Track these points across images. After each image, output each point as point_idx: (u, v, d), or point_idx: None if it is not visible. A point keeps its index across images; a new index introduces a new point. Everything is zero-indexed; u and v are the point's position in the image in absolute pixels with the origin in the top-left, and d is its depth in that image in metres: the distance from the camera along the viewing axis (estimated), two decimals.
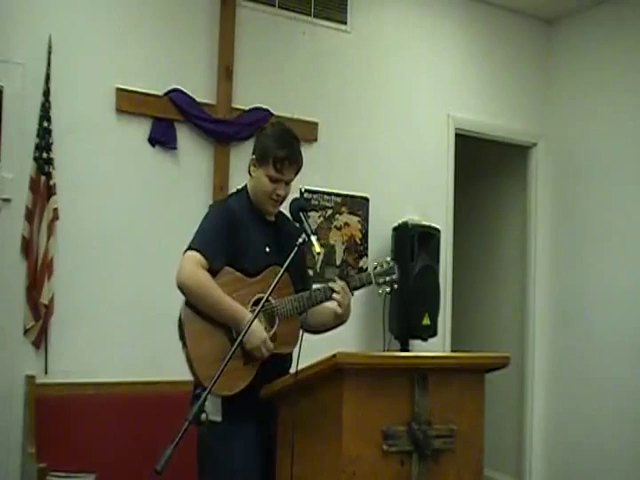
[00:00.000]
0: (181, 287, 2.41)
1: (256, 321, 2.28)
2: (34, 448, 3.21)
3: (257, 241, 2.52)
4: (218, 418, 2.36)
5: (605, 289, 4.82)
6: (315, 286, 2.58)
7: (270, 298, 2.37)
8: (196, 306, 2.41)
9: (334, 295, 2.48)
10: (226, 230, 2.45)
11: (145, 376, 3.66)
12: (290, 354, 2.50)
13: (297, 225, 2.54)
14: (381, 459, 2.16)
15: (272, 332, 2.42)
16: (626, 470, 4.52)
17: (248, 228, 2.51)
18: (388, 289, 2.62)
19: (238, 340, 2.15)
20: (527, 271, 5.35)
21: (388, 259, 2.65)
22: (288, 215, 2.54)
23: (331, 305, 2.53)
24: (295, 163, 2.53)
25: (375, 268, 2.61)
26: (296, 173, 2.57)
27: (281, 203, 2.58)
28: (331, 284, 2.50)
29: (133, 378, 3.63)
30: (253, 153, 2.59)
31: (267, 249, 2.52)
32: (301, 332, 2.47)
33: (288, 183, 2.55)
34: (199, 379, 2.32)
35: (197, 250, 2.40)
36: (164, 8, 3.93)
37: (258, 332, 2.33)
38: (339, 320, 2.58)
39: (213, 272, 2.40)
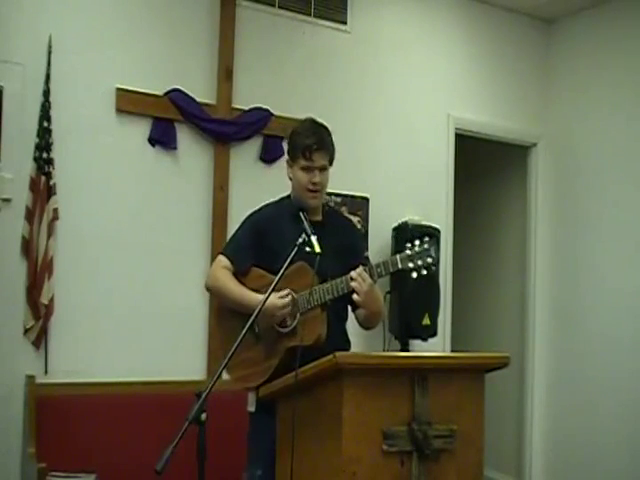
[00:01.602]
0: (206, 287, 2.72)
1: (264, 296, 2.34)
2: (34, 448, 3.21)
3: (294, 242, 2.47)
4: (252, 408, 2.58)
5: (605, 289, 4.82)
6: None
7: (292, 292, 2.49)
8: (219, 302, 2.70)
9: (351, 283, 2.40)
10: (253, 235, 2.63)
11: (145, 376, 3.66)
12: (323, 347, 2.42)
13: (348, 221, 2.81)
14: (381, 459, 2.16)
15: (293, 326, 2.48)
16: (626, 470, 4.52)
17: (283, 230, 2.55)
18: (425, 272, 2.39)
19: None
20: (527, 271, 5.36)
21: (427, 239, 2.41)
22: (345, 214, 2.59)
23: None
24: (324, 148, 2.57)
25: (403, 251, 2.41)
26: (330, 160, 2.61)
27: (321, 194, 2.62)
28: (352, 273, 2.42)
29: (133, 378, 3.63)
30: (288, 154, 2.67)
31: (307, 249, 2.44)
32: (296, 324, 2.49)
33: (322, 170, 2.58)
34: (227, 372, 2.48)
35: (223, 254, 2.67)
36: (164, 8, 3.93)
37: (269, 303, 2.37)
38: (369, 309, 2.54)
39: (240, 272, 2.62)
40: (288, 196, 2.72)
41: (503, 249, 5.76)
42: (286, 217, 2.61)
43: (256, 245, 2.61)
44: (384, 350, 4.43)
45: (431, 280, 4.46)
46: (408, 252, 2.38)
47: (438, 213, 4.84)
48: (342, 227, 2.74)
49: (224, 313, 2.67)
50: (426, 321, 4.39)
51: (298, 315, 2.48)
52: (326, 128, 2.65)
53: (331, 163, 2.63)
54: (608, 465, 4.64)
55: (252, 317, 2.22)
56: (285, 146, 2.82)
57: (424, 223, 4.57)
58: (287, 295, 2.48)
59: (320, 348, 2.35)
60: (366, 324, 2.70)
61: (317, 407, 2.24)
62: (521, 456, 5.29)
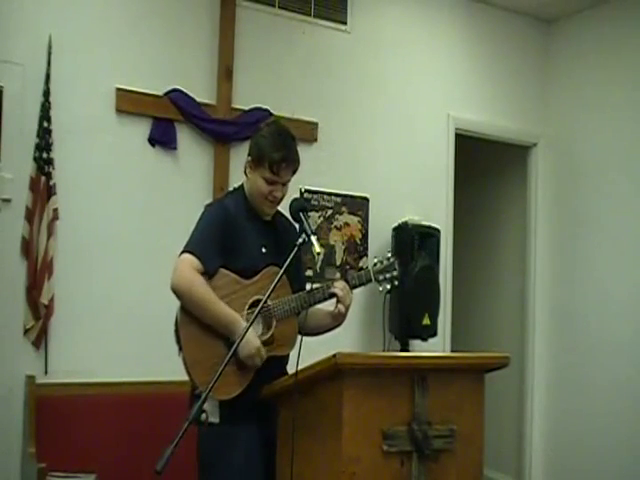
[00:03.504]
0: (174, 291, 2.42)
1: (250, 329, 2.23)
2: (34, 448, 3.21)
3: (253, 242, 2.50)
4: (216, 420, 2.37)
5: (605, 289, 4.81)
6: (314, 286, 2.54)
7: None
8: (187, 307, 2.42)
9: (336, 291, 2.44)
10: (221, 230, 2.44)
11: (145, 376, 3.65)
12: (288, 356, 2.49)
13: (295, 224, 2.58)
14: (381, 459, 2.16)
15: (269, 334, 2.41)
16: (625, 471, 4.51)
17: (244, 228, 2.49)
18: (389, 286, 2.56)
19: (232, 350, 2.12)
20: (527, 271, 5.35)
21: (389, 255, 2.59)
22: (286, 214, 2.55)
23: (327, 307, 2.50)
24: (292, 164, 2.50)
25: (375, 265, 2.55)
26: (293, 173, 2.55)
27: (278, 204, 2.57)
28: (332, 288, 2.46)
29: (133, 378, 3.63)
30: (249, 154, 2.56)
31: (263, 250, 2.50)
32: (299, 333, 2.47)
33: (285, 184, 2.52)
34: (196, 384, 2.34)
35: (192, 252, 2.40)
36: (164, 8, 3.93)
37: (251, 341, 2.30)
38: (337, 322, 2.55)
39: (209, 274, 2.40)
40: (240, 188, 2.62)
41: (503, 249, 5.76)
42: (244, 215, 2.53)
43: (222, 242, 2.43)
44: (384, 350, 4.44)
45: (431, 280, 4.46)
46: (378, 266, 2.54)
47: (438, 213, 4.84)
48: (288, 227, 2.66)
49: (189, 316, 2.44)
50: (426, 321, 4.39)
51: (274, 323, 2.42)
52: (293, 138, 2.55)
53: (294, 174, 2.55)
54: (608, 465, 4.63)
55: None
56: None
57: (424, 223, 4.57)
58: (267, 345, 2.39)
59: (284, 360, 2.44)
60: (313, 331, 2.63)
61: (317, 407, 2.24)
62: (521, 456, 5.28)
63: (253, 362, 2.34)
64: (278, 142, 2.48)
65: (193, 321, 2.41)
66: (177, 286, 2.40)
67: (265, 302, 2.24)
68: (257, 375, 2.38)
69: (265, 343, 2.39)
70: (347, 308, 2.47)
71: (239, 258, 2.44)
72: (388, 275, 2.54)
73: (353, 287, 2.51)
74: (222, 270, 2.42)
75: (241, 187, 2.62)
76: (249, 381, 2.37)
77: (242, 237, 2.47)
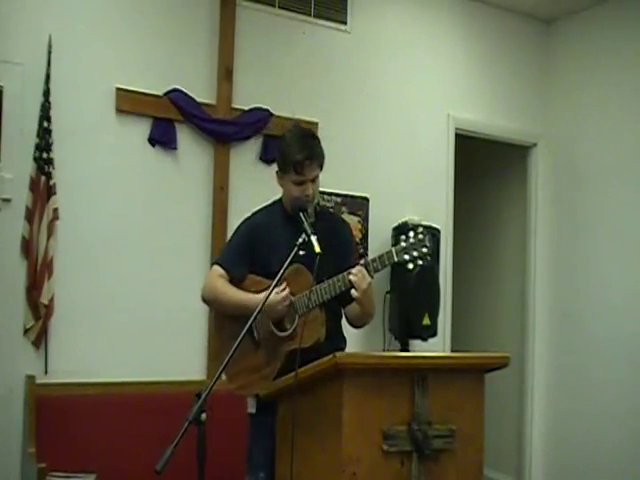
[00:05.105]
0: (203, 299, 2.69)
1: (264, 294, 2.35)
2: (34, 448, 3.21)
3: (288, 245, 2.47)
4: (253, 410, 2.61)
5: (605, 289, 4.81)
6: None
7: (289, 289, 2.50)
8: (218, 311, 2.69)
9: (351, 277, 2.39)
10: (245, 243, 2.65)
11: (145, 376, 3.66)
12: (321, 347, 2.43)
13: (339, 219, 2.85)
14: (381, 459, 2.16)
15: (292, 329, 2.48)
16: (625, 471, 4.51)
17: (276, 235, 2.59)
18: (420, 262, 2.39)
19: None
20: (527, 271, 5.35)
21: (420, 229, 2.42)
22: (331, 210, 2.58)
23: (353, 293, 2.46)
24: (315, 160, 2.57)
25: (397, 243, 2.42)
26: (321, 167, 2.61)
27: (313, 200, 2.62)
28: (350, 275, 2.42)
29: (133, 378, 3.63)
30: (277, 165, 2.64)
31: (301, 252, 2.45)
32: (297, 328, 2.49)
33: (314, 180, 2.59)
34: (228, 381, 2.52)
35: (217, 263, 2.68)
36: (164, 8, 3.93)
37: (271, 301, 2.40)
38: (361, 309, 2.52)
39: (236, 280, 2.62)
40: (279, 199, 2.73)
41: (503, 249, 5.76)
42: (278, 221, 2.64)
43: (250, 252, 2.63)
44: (384, 350, 4.43)
45: (431, 280, 4.46)
46: (403, 244, 2.39)
47: (438, 213, 4.84)
48: (333, 227, 2.72)
49: (222, 321, 2.67)
50: (426, 321, 4.39)
51: (297, 318, 2.48)
52: (315, 136, 2.65)
53: (321, 168, 2.62)
54: (608, 465, 4.63)
55: (253, 315, 2.21)
56: None
57: (424, 223, 4.55)
58: (284, 289, 2.48)
59: (318, 349, 2.37)
60: (355, 322, 2.67)
61: (317, 407, 2.24)
62: (521, 456, 5.28)
63: (283, 308, 2.48)
64: (299, 144, 2.56)
65: (223, 327, 2.65)
66: (204, 293, 2.67)
67: (270, 293, 2.32)
68: (284, 369, 2.44)
69: (287, 338, 2.49)
70: (363, 292, 2.39)
71: (272, 263, 2.50)
72: (415, 253, 2.37)
73: (375, 271, 2.41)
74: (250, 275, 2.63)
75: (280, 198, 2.72)
76: (274, 375, 2.48)
77: (273, 243, 2.58)
